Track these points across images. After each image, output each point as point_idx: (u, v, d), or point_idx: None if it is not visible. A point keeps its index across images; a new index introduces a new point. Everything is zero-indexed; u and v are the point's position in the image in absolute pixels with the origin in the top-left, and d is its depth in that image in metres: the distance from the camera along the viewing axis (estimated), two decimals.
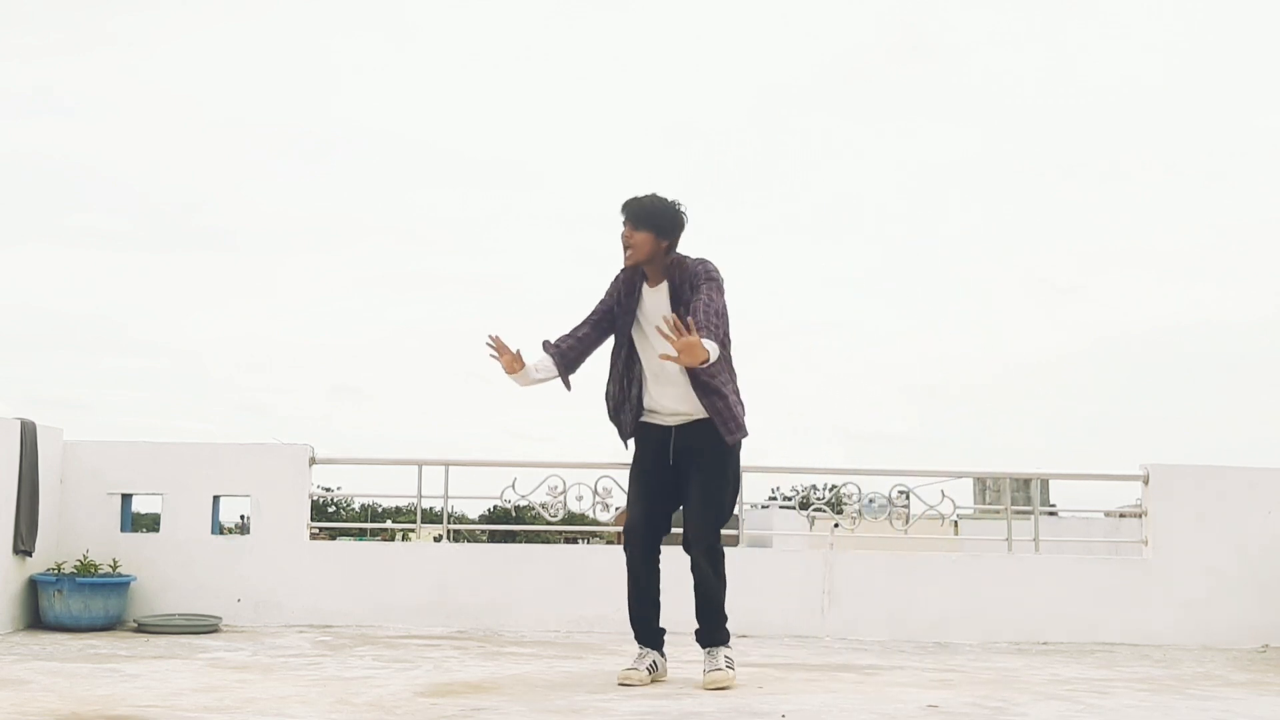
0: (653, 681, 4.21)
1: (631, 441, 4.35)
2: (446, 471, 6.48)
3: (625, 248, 4.19)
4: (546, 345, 4.27)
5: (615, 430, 4.37)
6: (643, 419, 4.30)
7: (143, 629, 5.77)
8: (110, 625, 5.82)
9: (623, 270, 4.28)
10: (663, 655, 4.31)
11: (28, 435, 5.84)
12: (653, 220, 4.16)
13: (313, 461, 6.41)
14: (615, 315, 4.29)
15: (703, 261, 4.21)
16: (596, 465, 6.42)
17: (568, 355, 4.25)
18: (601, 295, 4.34)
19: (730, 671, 4.14)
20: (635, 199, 4.19)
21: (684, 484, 4.24)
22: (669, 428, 4.24)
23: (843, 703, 3.88)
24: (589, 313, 4.33)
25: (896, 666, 4.96)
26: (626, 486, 4.39)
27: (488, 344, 4.19)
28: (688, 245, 4.29)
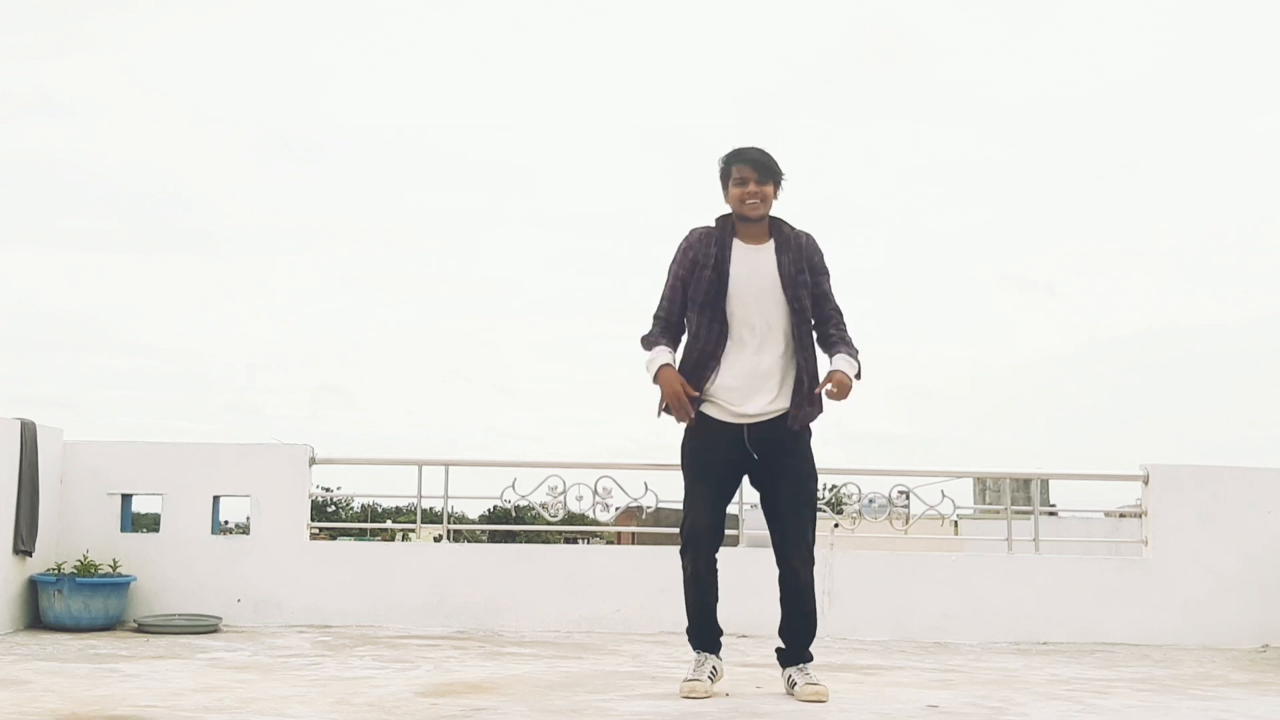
0: (713, 690, 3.95)
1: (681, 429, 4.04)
2: (446, 471, 6.48)
3: (749, 200, 3.91)
4: (661, 347, 3.99)
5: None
6: (704, 409, 3.95)
7: (143, 629, 5.76)
8: (110, 625, 5.81)
9: (696, 231, 4.00)
10: (720, 658, 4.06)
11: (28, 435, 5.84)
12: (776, 173, 3.95)
13: (313, 461, 6.40)
14: (692, 283, 3.96)
15: (810, 235, 4.03)
16: (596, 465, 6.42)
17: (654, 335, 4.02)
18: (672, 275, 4.01)
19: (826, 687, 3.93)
20: (754, 149, 3.95)
21: (770, 485, 3.99)
22: (740, 425, 3.92)
23: (843, 703, 3.88)
24: (674, 289, 3.99)
25: (896, 666, 4.96)
26: (685, 481, 4.04)
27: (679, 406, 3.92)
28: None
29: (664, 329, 4.03)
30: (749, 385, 3.92)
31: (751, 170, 3.94)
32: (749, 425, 3.94)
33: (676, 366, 3.98)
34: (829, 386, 3.91)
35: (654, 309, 4.07)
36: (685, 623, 4.09)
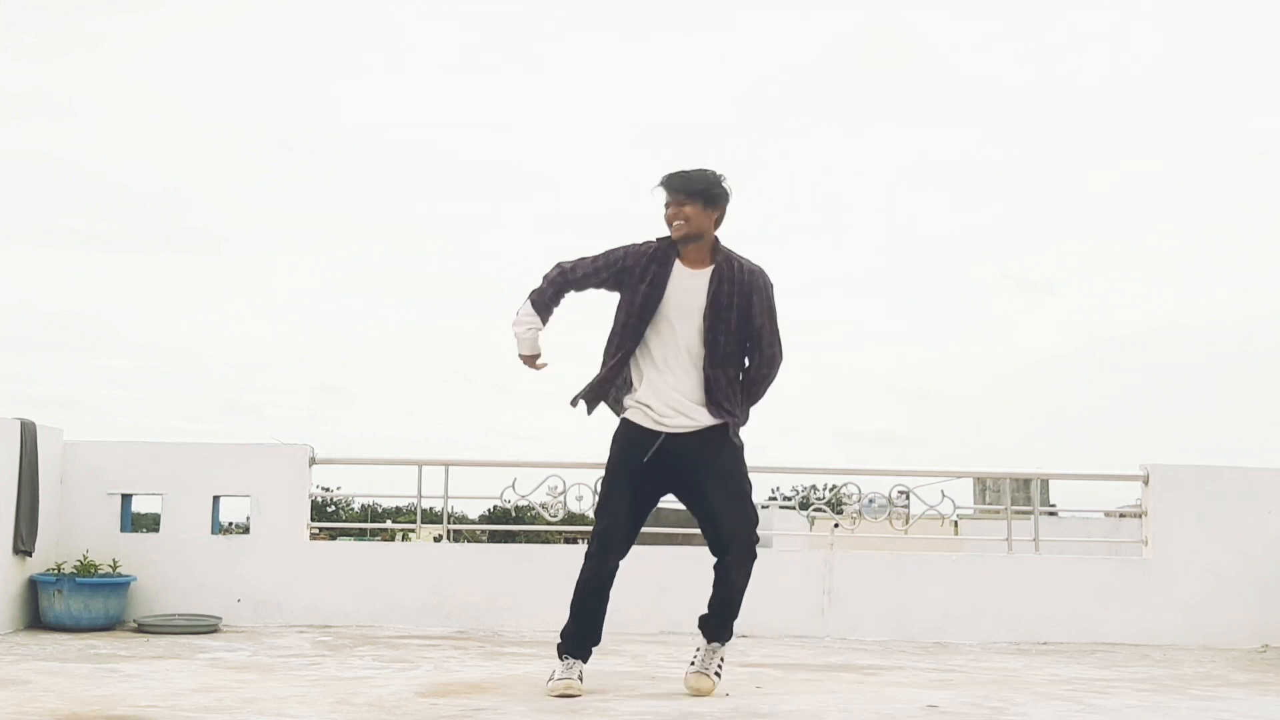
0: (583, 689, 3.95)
1: (599, 426, 4.07)
2: (446, 471, 6.48)
3: (674, 222, 3.92)
4: (538, 318, 4.05)
5: (586, 404, 4.01)
6: (628, 414, 3.97)
7: (143, 629, 5.76)
8: (110, 625, 5.81)
9: (658, 240, 3.99)
10: (585, 665, 4.04)
11: (28, 435, 5.84)
12: (701, 191, 3.89)
13: (313, 461, 6.40)
14: (626, 280, 3.95)
15: (760, 271, 3.98)
16: (597, 465, 6.38)
17: (545, 296, 4.04)
18: (617, 246, 4.01)
19: (718, 680, 3.97)
20: (678, 171, 3.92)
21: (697, 489, 3.96)
22: (659, 433, 3.91)
23: (843, 703, 3.88)
24: (595, 262, 3.99)
25: (896, 666, 4.96)
26: (604, 486, 4.06)
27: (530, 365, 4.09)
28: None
29: (557, 288, 4.02)
30: (668, 405, 3.91)
31: (669, 192, 3.94)
32: (667, 435, 3.91)
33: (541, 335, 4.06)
34: None
35: (563, 258, 4.04)
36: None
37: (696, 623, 4.09)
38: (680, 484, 4.02)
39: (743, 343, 3.98)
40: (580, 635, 4.03)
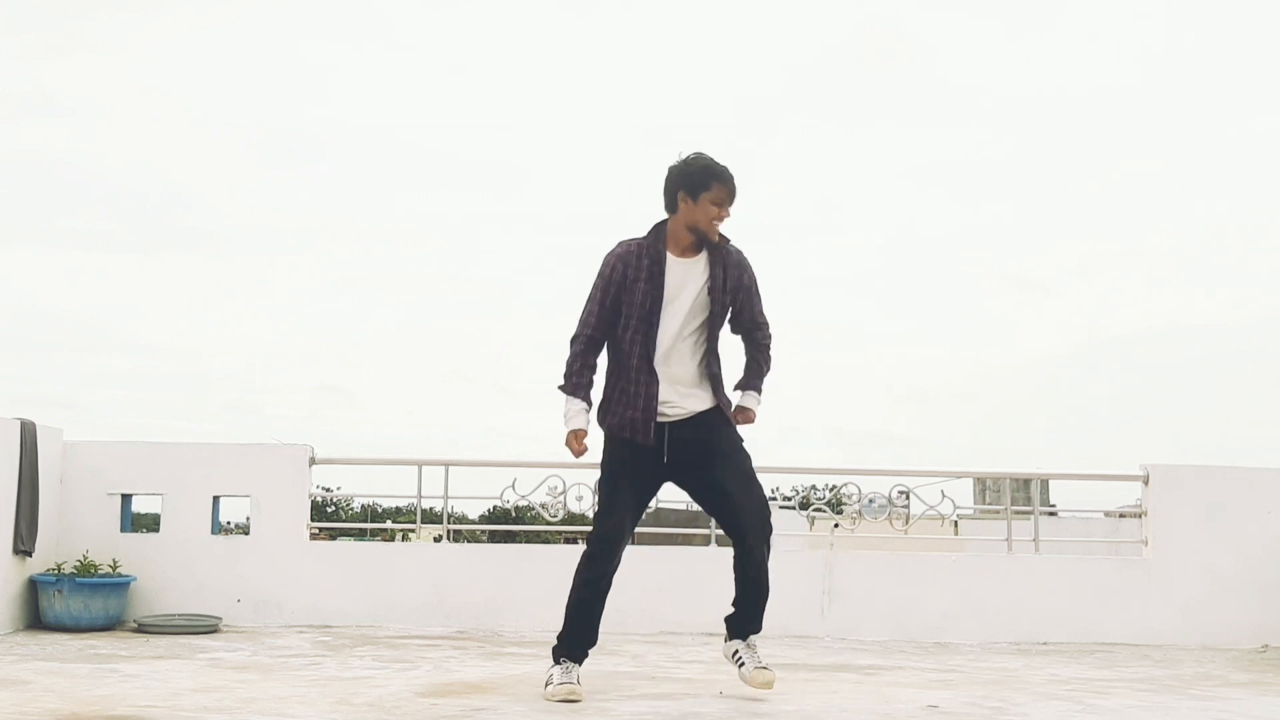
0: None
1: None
2: (446, 472, 6.48)
3: (717, 223, 3.87)
4: (579, 403, 3.94)
5: (616, 429, 3.90)
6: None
7: (143, 629, 5.76)
8: (110, 625, 5.81)
9: (624, 244, 3.93)
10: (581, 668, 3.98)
11: (28, 435, 5.84)
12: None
13: (313, 462, 6.40)
14: (625, 286, 3.87)
15: (741, 251, 3.99)
16: (596, 465, 6.38)
17: (579, 380, 3.96)
18: (602, 266, 3.93)
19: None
20: (730, 171, 3.86)
21: (705, 475, 3.92)
22: (662, 424, 3.88)
23: (843, 703, 3.88)
24: (601, 305, 3.90)
25: (896, 666, 4.96)
26: (605, 485, 3.99)
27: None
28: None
29: (584, 360, 3.94)
30: (675, 393, 3.90)
31: (730, 196, 3.88)
32: (670, 425, 3.89)
33: (596, 390, 3.96)
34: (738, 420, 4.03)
35: (575, 329, 3.96)
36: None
37: (725, 624, 4.02)
38: (685, 472, 3.98)
39: (724, 323, 4.00)
40: (579, 640, 3.95)
